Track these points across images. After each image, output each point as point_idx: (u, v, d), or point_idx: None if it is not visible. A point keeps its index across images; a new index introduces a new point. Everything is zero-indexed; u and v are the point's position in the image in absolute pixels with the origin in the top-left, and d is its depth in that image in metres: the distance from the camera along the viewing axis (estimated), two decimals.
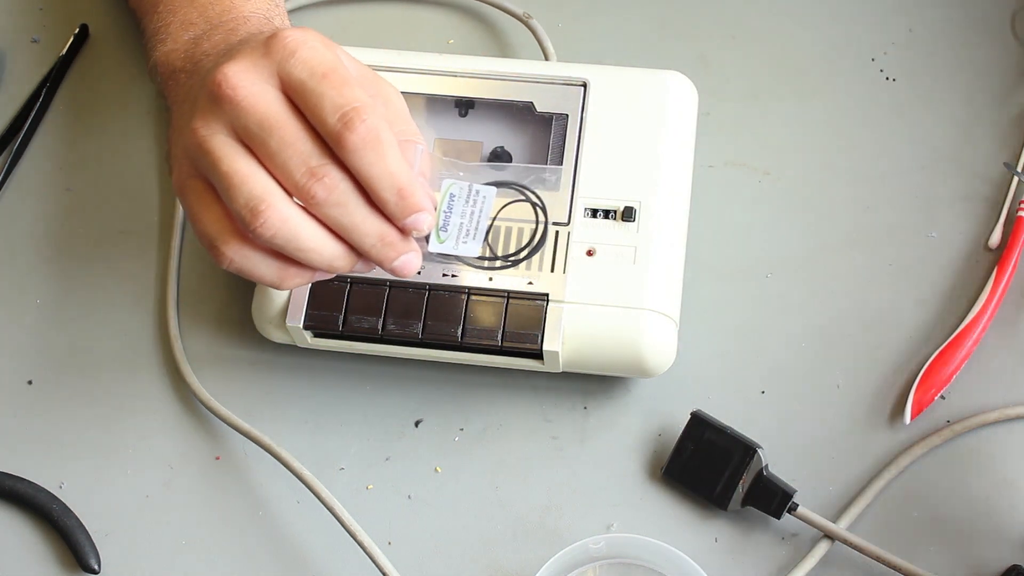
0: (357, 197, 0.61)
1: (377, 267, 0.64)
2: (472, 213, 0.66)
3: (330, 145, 0.61)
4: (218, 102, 0.62)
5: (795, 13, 0.87)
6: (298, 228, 0.61)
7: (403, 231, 0.62)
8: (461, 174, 0.68)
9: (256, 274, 0.63)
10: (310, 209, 0.61)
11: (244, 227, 0.61)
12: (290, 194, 0.61)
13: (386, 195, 0.61)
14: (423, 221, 0.62)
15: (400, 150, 0.61)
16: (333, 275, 0.65)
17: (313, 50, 0.62)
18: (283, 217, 0.60)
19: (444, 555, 0.73)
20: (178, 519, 0.75)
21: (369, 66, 0.65)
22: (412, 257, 0.63)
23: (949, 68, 0.84)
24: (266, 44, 0.62)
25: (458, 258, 0.67)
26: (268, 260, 0.63)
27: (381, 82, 0.65)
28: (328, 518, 0.72)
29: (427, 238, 0.65)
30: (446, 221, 0.66)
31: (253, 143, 0.61)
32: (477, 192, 0.66)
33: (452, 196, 0.66)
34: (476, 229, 0.66)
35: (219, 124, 0.62)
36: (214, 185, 0.62)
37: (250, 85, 0.61)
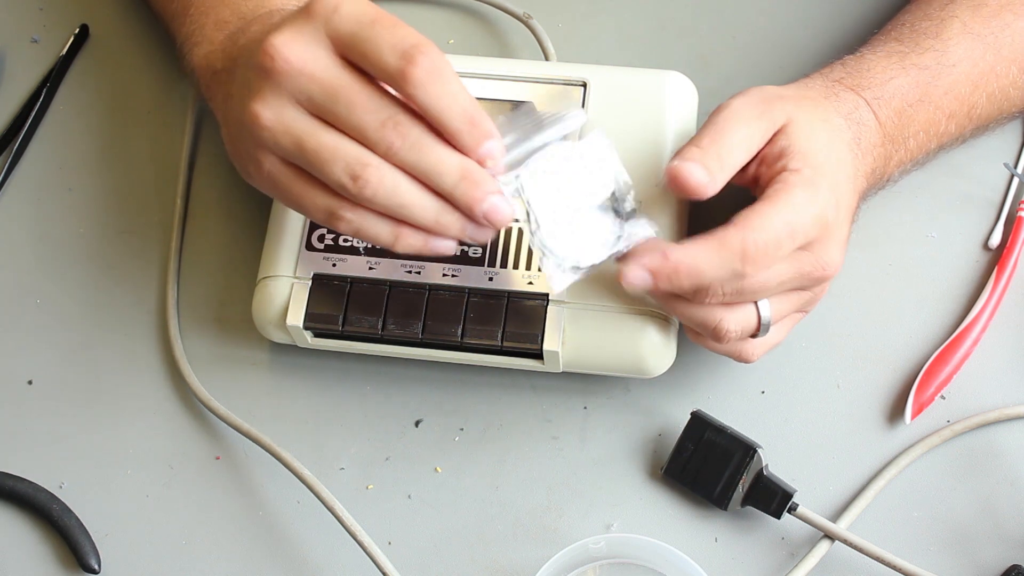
0: (431, 137, 0.62)
1: (486, 235, 0.65)
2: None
3: (394, 86, 0.61)
4: (272, 75, 0.62)
5: (795, 13, 0.87)
6: (396, 183, 0.62)
7: (484, 161, 0.63)
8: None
9: (372, 233, 0.64)
10: (391, 160, 0.62)
11: (347, 194, 0.62)
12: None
13: (457, 124, 0.61)
14: (495, 148, 0.62)
15: None
16: (450, 247, 0.65)
17: (354, 2, 0.62)
18: (380, 174, 0.62)
19: (444, 555, 0.73)
20: (178, 519, 0.75)
21: None
22: (499, 200, 0.63)
23: None
24: (306, 8, 0.62)
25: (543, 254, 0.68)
26: (381, 220, 0.64)
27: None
28: (328, 518, 0.72)
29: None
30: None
31: (321, 110, 0.62)
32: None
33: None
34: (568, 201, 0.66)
35: (280, 100, 0.62)
36: (302, 165, 0.63)
37: (301, 51, 0.62)
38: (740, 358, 0.70)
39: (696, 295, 0.65)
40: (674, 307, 0.68)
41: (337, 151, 0.62)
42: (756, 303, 0.67)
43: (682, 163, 0.65)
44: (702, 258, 0.63)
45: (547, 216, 0.66)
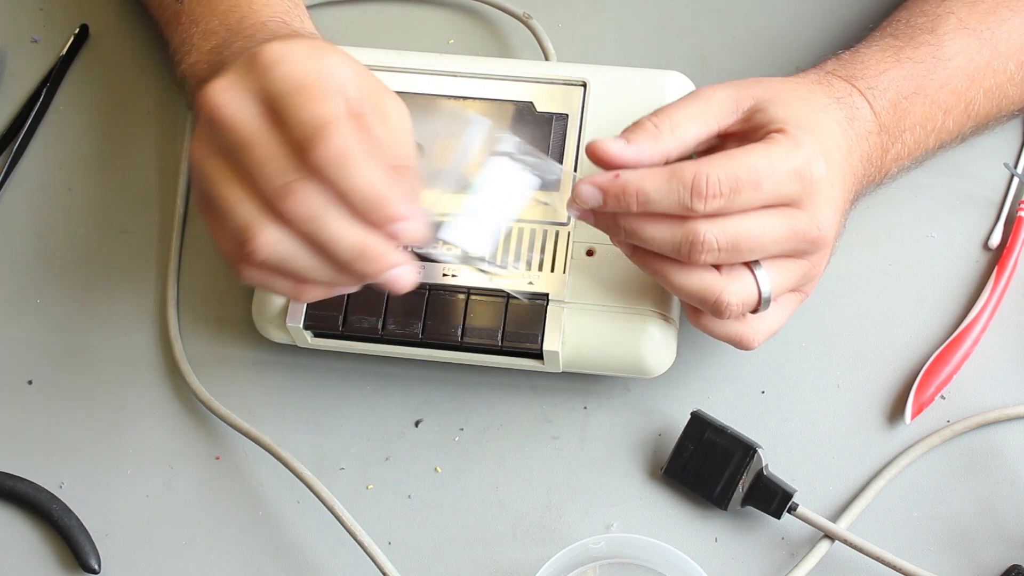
0: (333, 211, 0.60)
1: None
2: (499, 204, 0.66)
3: (301, 160, 0.59)
4: (205, 122, 0.61)
5: (795, 13, 0.87)
6: (287, 251, 0.60)
7: (393, 239, 0.61)
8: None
9: (274, 289, 0.63)
10: (289, 226, 0.60)
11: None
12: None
13: (361, 207, 0.59)
14: (406, 230, 0.60)
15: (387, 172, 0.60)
16: (356, 288, 0.64)
17: (292, 63, 0.60)
18: (270, 243, 0.60)
19: (444, 555, 0.73)
20: (178, 519, 0.75)
21: (369, 66, 0.64)
22: (402, 272, 0.62)
23: None
24: (250, 59, 0.61)
25: (466, 257, 0.67)
26: (280, 278, 0.63)
27: (385, 96, 0.63)
28: (328, 518, 0.72)
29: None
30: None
31: (236, 161, 0.61)
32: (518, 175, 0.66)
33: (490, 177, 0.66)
34: (493, 227, 0.66)
35: (210, 146, 0.61)
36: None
37: (229, 102, 0.60)
38: (741, 343, 0.69)
39: (691, 253, 0.64)
40: (670, 275, 0.66)
41: (235, 208, 0.60)
42: (755, 274, 0.66)
43: (600, 139, 0.64)
44: (651, 182, 0.63)
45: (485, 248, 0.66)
